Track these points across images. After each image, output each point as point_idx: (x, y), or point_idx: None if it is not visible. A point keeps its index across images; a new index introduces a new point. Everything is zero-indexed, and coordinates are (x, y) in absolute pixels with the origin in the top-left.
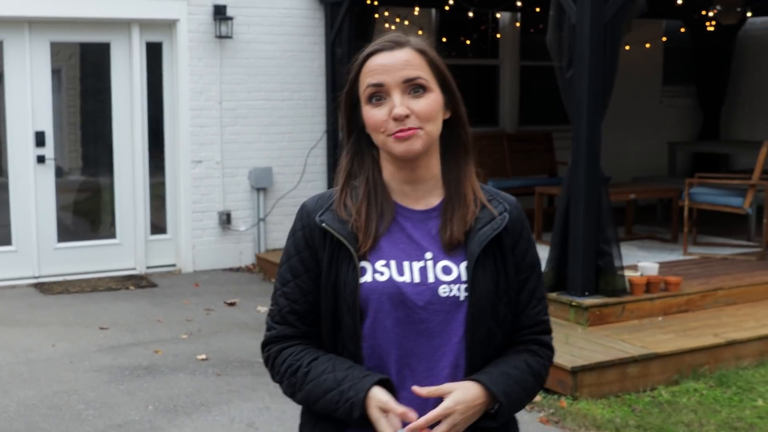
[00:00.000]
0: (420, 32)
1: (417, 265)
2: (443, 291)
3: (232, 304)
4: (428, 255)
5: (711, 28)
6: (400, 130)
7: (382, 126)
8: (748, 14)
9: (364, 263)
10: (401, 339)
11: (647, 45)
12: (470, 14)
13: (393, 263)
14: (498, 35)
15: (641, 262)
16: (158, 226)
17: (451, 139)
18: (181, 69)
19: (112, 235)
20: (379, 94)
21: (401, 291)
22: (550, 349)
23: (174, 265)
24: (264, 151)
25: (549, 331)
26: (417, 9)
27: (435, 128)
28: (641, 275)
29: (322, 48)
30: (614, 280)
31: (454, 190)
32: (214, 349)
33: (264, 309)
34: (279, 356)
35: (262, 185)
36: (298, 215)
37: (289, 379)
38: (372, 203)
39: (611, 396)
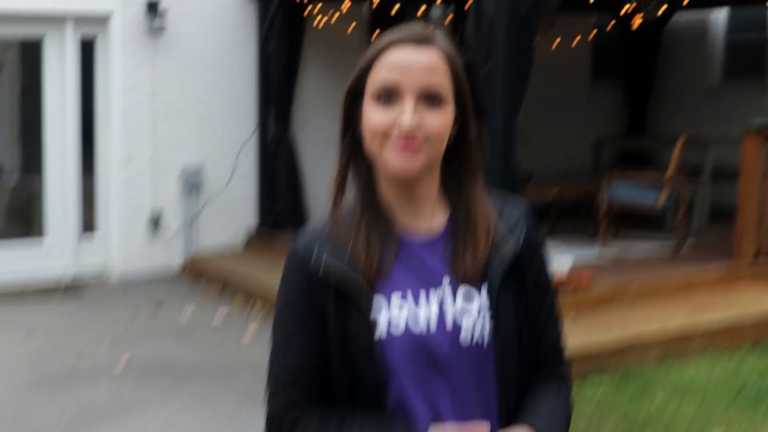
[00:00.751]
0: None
1: (434, 310)
2: (465, 337)
3: (160, 305)
4: (441, 293)
5: (637, 24)
6: (404, 144)
7: (381, 133)
8: (662, 10)
9: (375, 310)
10: (425, 391)
11: (575, 40)
12: (395, 10)
13: (406, 305)
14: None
15: (556, 258)
16: (89, 225)
17: (456, 156)
18: (113, 64)
19: (42, 235)
20: (389, 95)
21: (420, 343)
22: (568, 370)
23: (104, 266)
24: (196, 148)
25: (565, 349)
26: (348, 3)
27: (441, 148)
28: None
29: (255, 43)
30: None
31: (462, 214)
32: (136, 354)
33: (192, 308)
34: (295, 427)
35: (193, 183)
36: (292, 254)
37: None
38: (373, 227)
39: None
